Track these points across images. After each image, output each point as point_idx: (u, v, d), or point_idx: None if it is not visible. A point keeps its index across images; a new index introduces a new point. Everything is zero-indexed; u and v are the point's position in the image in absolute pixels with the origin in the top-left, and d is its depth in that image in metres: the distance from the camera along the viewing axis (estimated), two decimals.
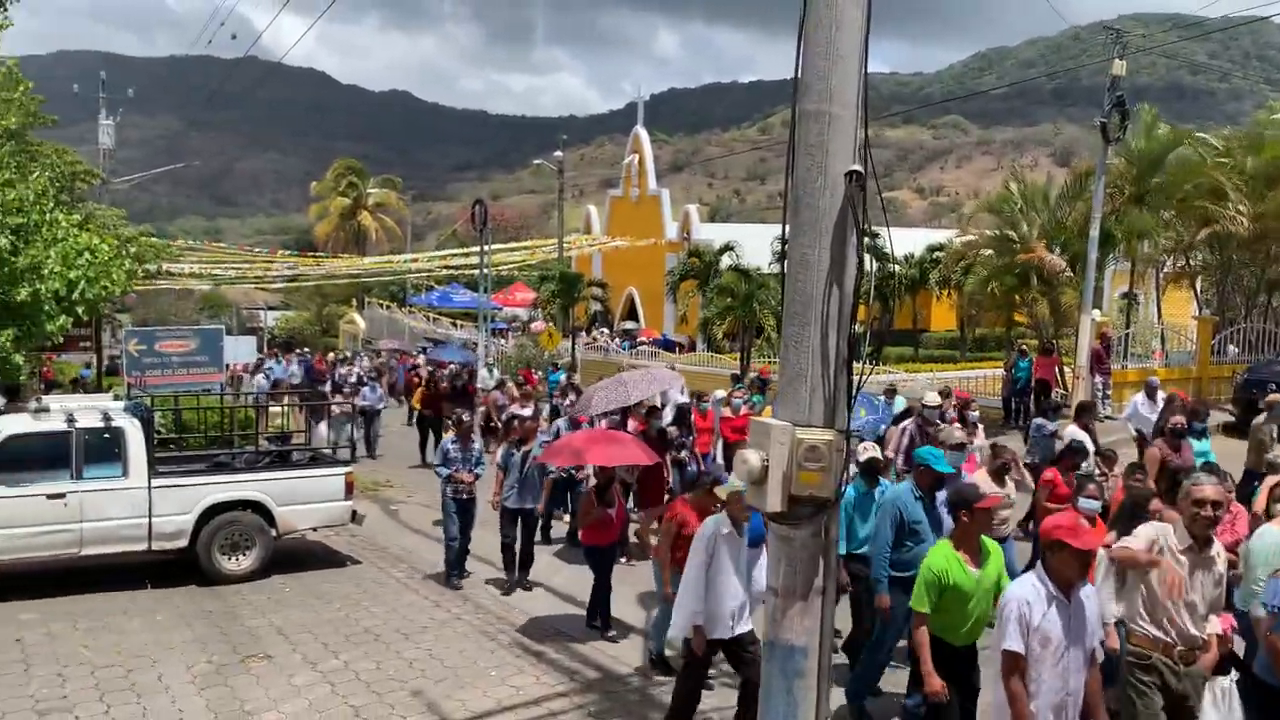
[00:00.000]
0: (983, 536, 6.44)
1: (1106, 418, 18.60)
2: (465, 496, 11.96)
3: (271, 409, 21.59)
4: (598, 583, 10.11)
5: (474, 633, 10.01)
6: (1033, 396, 20.64)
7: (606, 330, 44.79)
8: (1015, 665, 5.13)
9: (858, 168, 4.57)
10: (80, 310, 15.54)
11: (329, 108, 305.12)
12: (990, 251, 26.86)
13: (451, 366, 27.73)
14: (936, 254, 37.60)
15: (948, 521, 7.47)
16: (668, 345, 41.00)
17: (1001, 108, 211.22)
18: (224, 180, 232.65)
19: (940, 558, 6.24)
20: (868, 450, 8.80)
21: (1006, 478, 9.52)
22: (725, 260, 32.82)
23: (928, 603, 6.14)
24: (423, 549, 13.79)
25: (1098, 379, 21.05)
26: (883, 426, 13.06)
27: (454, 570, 12.00)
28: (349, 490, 12.78)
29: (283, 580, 12.03)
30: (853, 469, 9.98)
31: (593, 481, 10.63)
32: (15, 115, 15.92)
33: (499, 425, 17.49)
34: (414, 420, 23.10)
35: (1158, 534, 5.88)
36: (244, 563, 11.99)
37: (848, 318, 4.69)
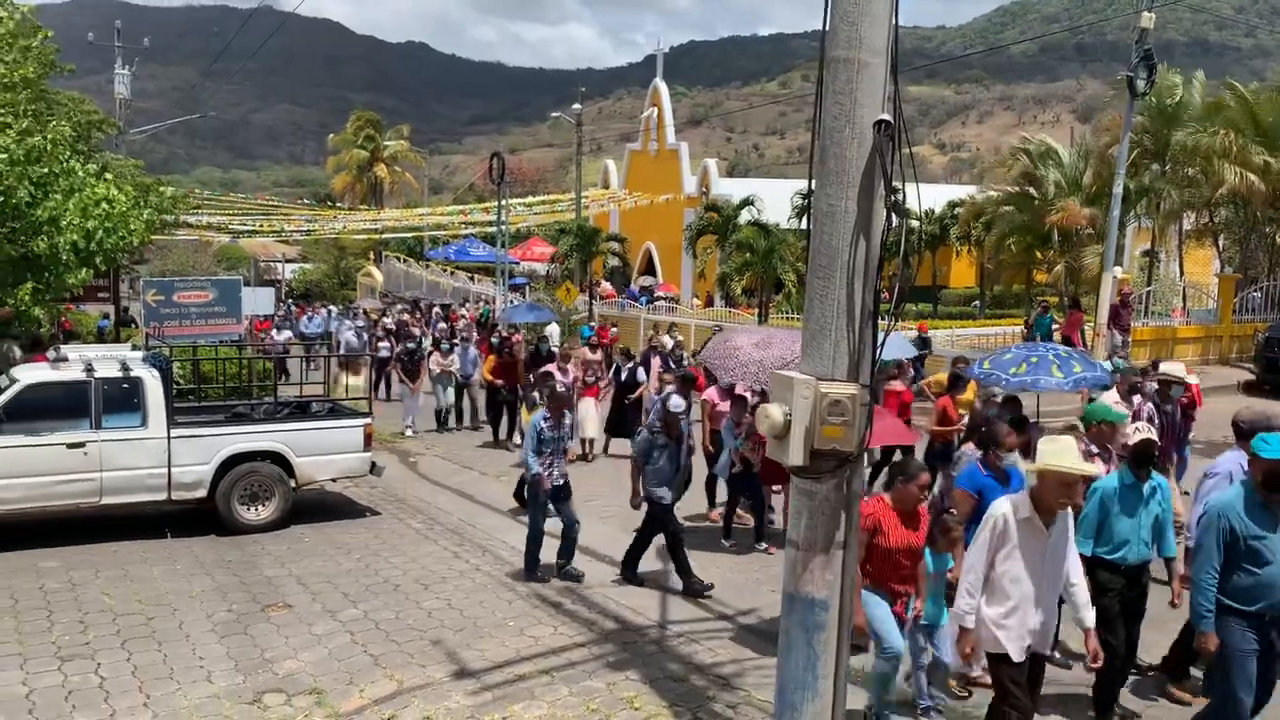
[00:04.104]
0: None
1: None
2: (562, 483, 10.21)
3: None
4: None
5: (493, 584, 10.03)
6: None
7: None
8: None
9: (887, 117, 4.48)
10: (98, 261, 15.48)
11: (345, 59, 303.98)
12: (1010, 208, 26.74)
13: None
14: (957, 210, 37.42)
15: None
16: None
17: (1024, 63, 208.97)
18: (240, 132, 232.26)
19: None
20: (1140, 432, 6.98)
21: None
22: (744, 215, 32.64)
23: None
24: (441, 500, 13.85)
25: (1116, 335, 20.97)
26: (1099, 388, 11.04)
27: (536, 567, 10.13)
28: (368, 442, 12.80)
29: (302, 530, 12.08)
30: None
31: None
32: (32, 64, 15.75)
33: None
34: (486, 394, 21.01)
35: None
36: (263, 513, 12.03)
37: (874, 271, 4.63)
